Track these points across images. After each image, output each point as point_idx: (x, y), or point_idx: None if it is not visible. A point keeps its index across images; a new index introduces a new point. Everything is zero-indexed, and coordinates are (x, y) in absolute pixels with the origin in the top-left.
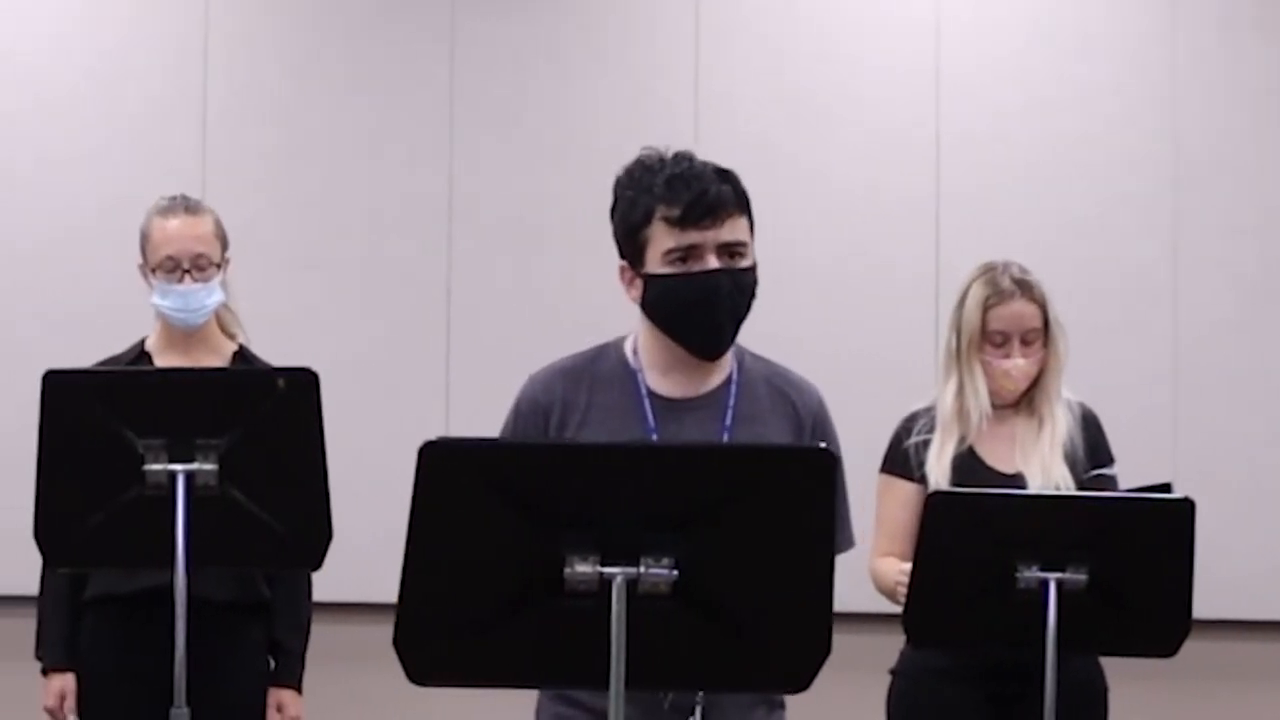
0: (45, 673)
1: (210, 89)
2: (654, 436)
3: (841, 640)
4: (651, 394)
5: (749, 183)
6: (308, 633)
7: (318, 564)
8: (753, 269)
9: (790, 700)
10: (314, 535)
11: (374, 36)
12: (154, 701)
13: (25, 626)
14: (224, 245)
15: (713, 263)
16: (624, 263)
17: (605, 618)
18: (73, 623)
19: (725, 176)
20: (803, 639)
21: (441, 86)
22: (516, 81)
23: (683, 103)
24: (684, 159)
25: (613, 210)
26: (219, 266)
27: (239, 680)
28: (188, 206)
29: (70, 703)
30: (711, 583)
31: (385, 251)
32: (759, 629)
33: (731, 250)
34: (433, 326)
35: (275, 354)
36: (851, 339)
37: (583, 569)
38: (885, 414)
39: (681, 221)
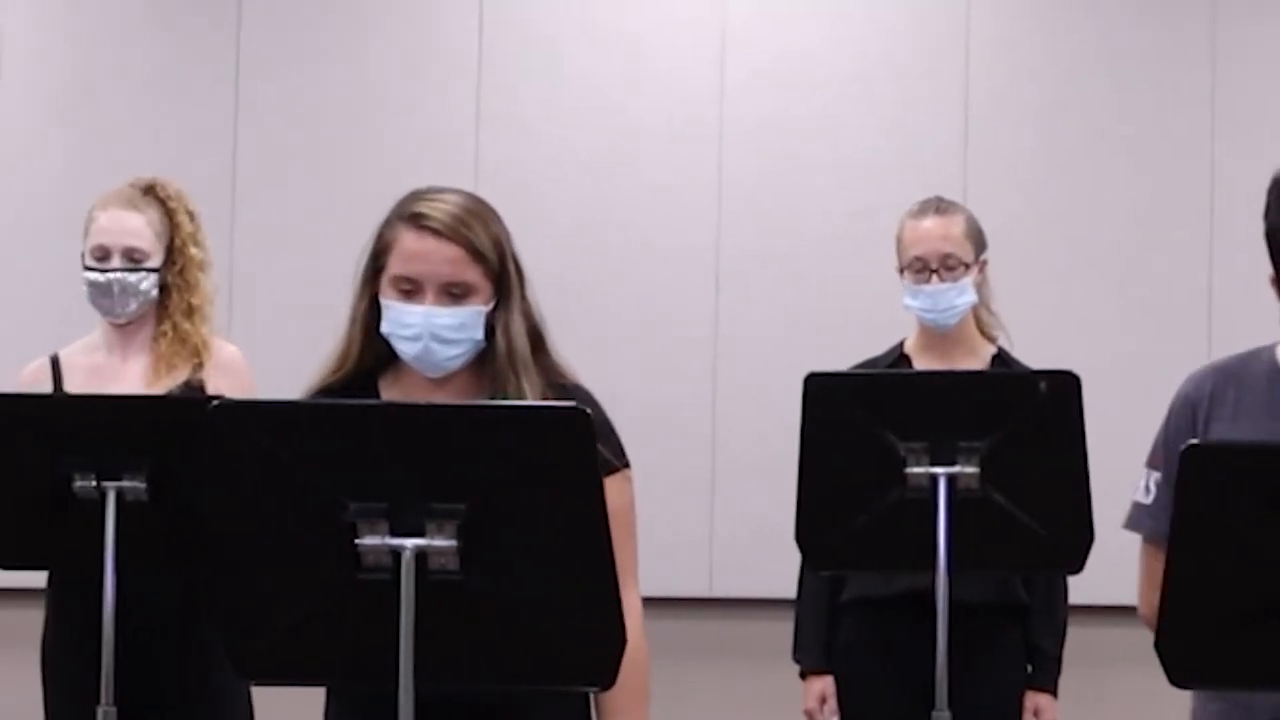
0: (804, 675)
1: (971, 91)
2: None
3: None
4: None
5: None
6: (1064, 636)
7: (1079, 567)
8: None
9: None
10: (1076, 538)
11: (1131, 38)
12: (913, 704)
13: (783, 630)
14: (978, 247)
15: None
16: (1272, 273)
17: None
18: (830, 626)
19: None
20: None
21: (1202, 85)
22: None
23: None
24: None
25: (1265, 212)
26: (968, 267)
27: (997, 683)
28: (939, 207)
29: (830, 705)
30: None
31: (1146, 255)
32: None
33: None
34: (1193, 331)
35: (1037, 357)
36: None
37: None
38: None
39: None
